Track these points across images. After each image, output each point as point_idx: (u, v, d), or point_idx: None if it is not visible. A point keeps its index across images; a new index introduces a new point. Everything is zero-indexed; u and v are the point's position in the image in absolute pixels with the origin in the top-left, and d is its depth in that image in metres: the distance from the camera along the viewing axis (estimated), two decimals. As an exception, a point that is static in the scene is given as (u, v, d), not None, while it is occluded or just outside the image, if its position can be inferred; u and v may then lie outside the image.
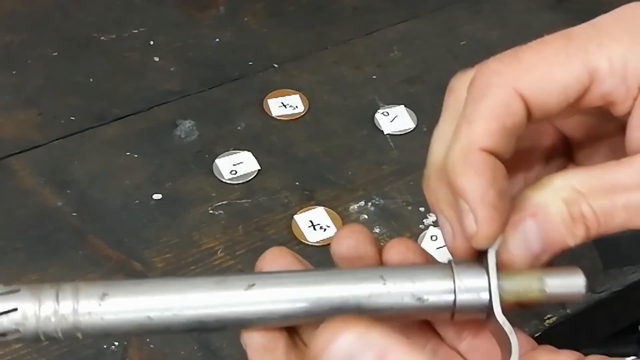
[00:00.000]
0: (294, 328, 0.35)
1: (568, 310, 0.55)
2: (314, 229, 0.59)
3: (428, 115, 0.69)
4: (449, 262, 0.34)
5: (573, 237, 0.32)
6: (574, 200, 0.32)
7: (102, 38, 0.76)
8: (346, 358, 0.28)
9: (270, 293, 0.33)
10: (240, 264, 0.58)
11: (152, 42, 0.76)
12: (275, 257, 0.35)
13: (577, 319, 0.55)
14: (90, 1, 0.80)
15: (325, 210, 0.61)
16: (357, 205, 0.62)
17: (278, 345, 0.33)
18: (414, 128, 0.68)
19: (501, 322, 0.32)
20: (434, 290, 0.33)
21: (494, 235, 0.32)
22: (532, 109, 0.33)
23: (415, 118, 0.68)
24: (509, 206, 0.33)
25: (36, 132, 0.67)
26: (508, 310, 0.33)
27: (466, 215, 0.32)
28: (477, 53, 0.75)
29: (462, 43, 0.76)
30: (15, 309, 0.32)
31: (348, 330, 0.28)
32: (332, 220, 0.60)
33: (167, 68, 0.73)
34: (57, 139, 0.66)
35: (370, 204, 0.62)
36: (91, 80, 0.72)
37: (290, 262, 0.36)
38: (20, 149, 0.65)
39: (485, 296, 0.33)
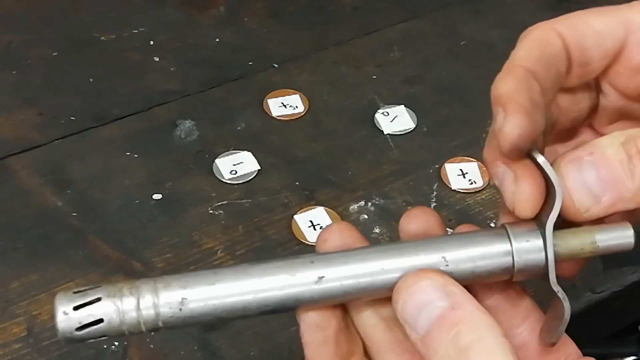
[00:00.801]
0: (347, 311, 0.36)
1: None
2: (314, 229, 0.59)
3: (428, 115, 0.69)
4: (503, 225, 0.35)
5: (632, 176, 0.32)
6: (631, 140, 0.33)
7: (102, 38, 0.76)
8: (424, 301, 0.31)
9: (337, 271, 0.34)
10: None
11: (152, 42, 0.76)
12: (339, 231, 0.36)
13: (577, 319, 0.55)
14: (90, 1, 0.80)
15: (325, 210, 0.61)
16: (357, 205, 0.62)
17: (330, 324, 0.35)
18: (414, 128, 0.68)
19: (555, 290, 0.33)
20: (493, 254, 0.34)
21: (518, 130, 0.32)
22: (571, 51, 0.35)
23: (415, 118, 0.68)
24: (541, 120, 0.33)
25: (36, 132, 0.67)
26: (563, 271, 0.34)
27: (500, 116, 0.32)
28: (477, 53, 0.75)
29: (462, 43, 0.76)
30: (99, 299, 0.32)
31: (430, 278, 0.32)
32: (332, 220, 0.60)
33: (167, 68, 0.73)
34: (57, 139, 0.66)
35: (370, 204, 0.62)
36: (91, 80, 0.72)
37: (353, 237, 0.36)
38: (20, 149, 0.65)
39: (541, 256, 0.34)
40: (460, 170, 0.64)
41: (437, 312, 0.30)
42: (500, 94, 0.33)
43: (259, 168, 0.64)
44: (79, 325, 0.32)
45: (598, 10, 0.36)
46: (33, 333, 0.53)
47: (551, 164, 0.33)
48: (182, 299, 0.33)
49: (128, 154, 0.65)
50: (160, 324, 0.33)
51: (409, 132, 0.68)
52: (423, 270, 0.32)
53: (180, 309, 0.33)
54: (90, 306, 0.32)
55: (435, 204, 0.62)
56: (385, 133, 0.67)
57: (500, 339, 0.30)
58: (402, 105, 0.69)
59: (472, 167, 0.64)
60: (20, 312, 0.54)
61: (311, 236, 0.59)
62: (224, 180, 0.63)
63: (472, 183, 0.63)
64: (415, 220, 0.36)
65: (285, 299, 0.34)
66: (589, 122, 0.40)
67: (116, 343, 0.53)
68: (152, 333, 0.35)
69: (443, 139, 0.67)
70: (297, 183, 0.63)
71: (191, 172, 0.64)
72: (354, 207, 0.62)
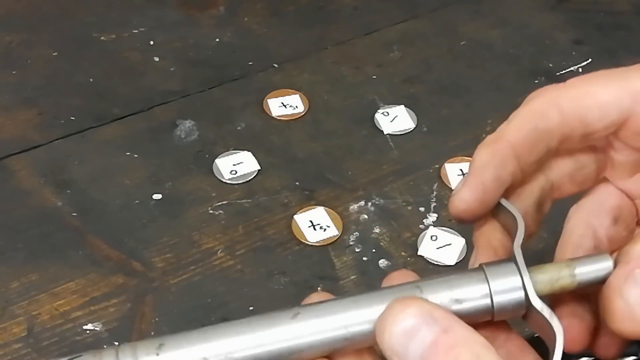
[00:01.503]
0: None
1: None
2: (314, 229, 0.59)
3: (428, 115, 0.69)
4: (480, 266, 0.35)
5: None
6: None
7: (102, 38, 0.76)
8: (412, 329, 0.30)
9: (313, 324, 0.33)
10: (240, 264, 0.58)
11: (152, 42, 0.76)
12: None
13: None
14: (90, 1, 0.80)
15: (325, 210, 0.61)
16: (357, 205, 0.62)
17: None
18: (414, 128, 0.68)
19: (539, 308, 0.33)
20: (471, 297, 0.34)
21: (465, 202, 0.35)
22: (571, 125, 0.36)
23: (415, 118, 0.68)
24: (497, 194, 0.35)
25: (36, 132, 0.67)
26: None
27: (460, 182, 0.36)
28: (477, 53, 0.75)
29: (462, 43, 0.76)
30: None
31: (414, 306, 0.30)
32: (332, 220, 0.60)
33: (167, 68, 0.73)
34: (57, 139, 0.66)
35: (370, 204, 0.62)
36: (91, 80, 0.72)
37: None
38: (20, 149, 0.65)
39: (520, 294, 0.33)
40: (460, 170, 0.64)
41: (429, 338, 0.29)
42: (474, 161, 0.35)
43: (259, 168, 0.64)
44: None
45: (606, 77, 0.36)
46: (33, 333, 0.53)
47: (603, 283, 0.33)
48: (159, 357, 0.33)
49: (128, 154, 0.65)
50: None
51: (409, 132, 0.68)
52: (406, 298, 0.31)
53: None
54: None
55: (435, 204, 0.62)
56: (385, 133, 0.67)
57: (496, 357, 0.29)
58: (402, 105, 0.69)
59: (472, 167, 0.64)
60: (20, 312, 0.54)
61: (311, 236, 0.59)
62: (224, 180, 0.63)
63: (472, 183, 0.63)
64: (397, 281, 0.36)
65: (264, 354, 0.33)
66: (602, 177, 0.40)
67: (116, 343, 0.53)
68: None
69: (443, 139, 0.67)
70: (297, 183, 0.63)
71: (191, 172, 0.64)
72: (354, 207, 0.62)
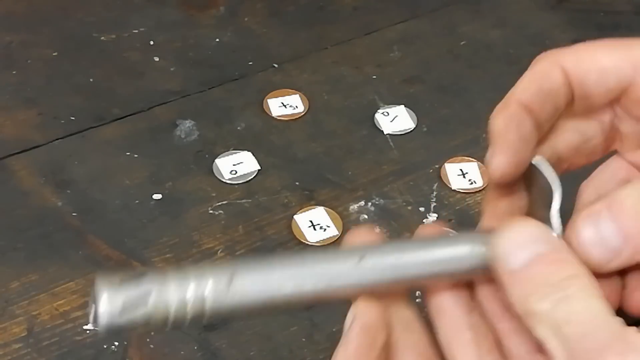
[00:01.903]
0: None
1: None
2: (314, 229, 0.59)
3: (428, 115, 0.69)
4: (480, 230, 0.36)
5: None
6: None
7: (102, 38, 0.76)
8: (525, 241, 0.31)
9: (378, 262, 0.33)
10: (240, 264, 0.58)
11: (152, 42, 0.76)
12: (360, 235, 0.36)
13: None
14: (90, 1, 0.80)
15: (325, 210, 0.61)
16: (357, 205, 0.62)
17: (382, 334, 0.34)
18: (414, 128, 0.68)
19: (536, 163, 0.34)
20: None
21: (502, 166, 0.35)
22: (574, 85, 0.37)
23: (415, 118, 0.68)
24: (529, 151, 0.36)
25: (36, 132, 0.67)
26: None
27: (490, 149, 0.36)
28: (477, 53, 0.75)
29: (462, 43, 0.76)
30: (146, 293, 0.30)
31: (535, 225, 0.32)
32: (332, 220, 0.60)
33: (167, 68, 0.73)
34: (57, 139, 0.66)
35: (370, 204, 0.62)
36: (91, 80, 0.72)
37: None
38: (20, 149, 0.65)
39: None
40: (460, 170, 0.64)
41: (540, 250, 0.31)
42: (493, 129, 0.36)
43: (259, 168, 0.64)
44: (122, 313, 0.30)
45: (610, 45, 0.37)
46: (33, 333, 0.53)
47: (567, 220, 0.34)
48: (231, 286, 0.31)
49: (128, 154, 0.65)
50: (207, 314, 0.31)
51: (409, 132, 0.68)
52: (523, 219, 0.33)
53: (229, 297, 0.31)
54: (135, 292, 0.30)
55: (435, 204, 0.62)
56: (385, 133, 0.67)
57: (593, 281, 0.30)
58: (402, 105, 0.69)
59: (472, 167, 0.64)
60: (20, 312, 0.54)
61: (311, 236, 0.59)
62: (224, 180, 0.63)
63: (472, 183, 0.63)
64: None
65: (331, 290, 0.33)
66: (613, 150, 0.40)
67: (116, 343, 0.53)
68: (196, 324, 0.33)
69: (443, 139, 0.67)
70: (297, 183, 0.63)
71: (191, 172, 0.64)
72: (354, 207, 0.61)
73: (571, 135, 0.39)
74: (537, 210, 0.36)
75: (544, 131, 0.37)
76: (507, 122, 0.36)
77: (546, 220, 0.34)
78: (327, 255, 0.34)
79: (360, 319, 0.33)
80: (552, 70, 0.37)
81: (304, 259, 0.33)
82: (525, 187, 0.38)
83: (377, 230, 0.37)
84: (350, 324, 0.33)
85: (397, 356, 0.34)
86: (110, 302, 0.30)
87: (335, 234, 0.59)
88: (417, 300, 0.39)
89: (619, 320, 0.30)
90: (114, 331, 0.31)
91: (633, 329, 0.29)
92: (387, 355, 0.34)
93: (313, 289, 0.33)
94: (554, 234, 0.33)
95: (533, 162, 0.35)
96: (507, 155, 0.35)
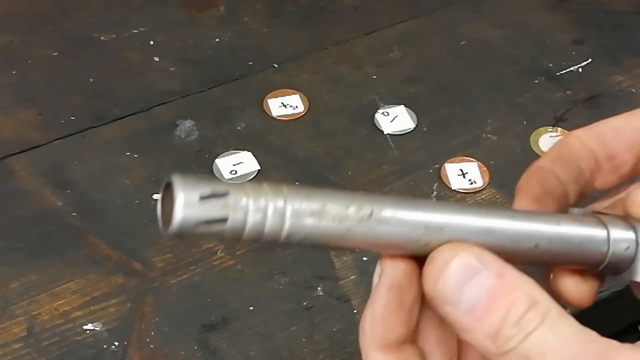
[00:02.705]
0: None
1: (568, 311, 0.55)
2: (314, 229, 0.59)
3: (428, 115, 0.69)
4: (592, 213, 0.35)
5: None
6: None
7: (102, 38, 0.76)
8: (466, 275, 0.29)
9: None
10: (240, 264, 0.58)
11: (152, 42, 0.76)
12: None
13: (577, 319, 0.55)
14: (90, 1, 0.80)
15: (325, 210, 0.60)
16: (357, 205, 0.62)
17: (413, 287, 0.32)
18: (414, 128, 0.68)
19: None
20: (590, 237, 0.33)
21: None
22: (593, 148, 0.38)
23: (415, 118, 0.68)
24: (553, 202, 0.37)
25: (36, 132, 0.67)
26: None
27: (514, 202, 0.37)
28: (477, 53, 0.75)
29: (462, 43, 0.76)
30: (226, 194, 0.28)
31: (466, 250, 0.30)
32: (332, 220, 0.60)
33: (167, 68, 0.73)
34: (57, 139, 0.66)
35: (370, 204, 0.62)
36: (91, 80, 0.72)
37: None
38: (20, 149, 0.65)
39: (632, 250, 0.33)
40: (460, 170, 0.64)
41: (485, 283, 0.29)
42: (517, 186, 0.37)
43: (259, 168, 0.64)
44: (200, 219, 0.27)
45: (628, 114, 0.39)
46: (33, 333, 0.53)
47: None
48: (313, 211, 0.29)
49: (128, 154, 0.65)
50: (283, 235, 0.29)
51: (409, 132, 0.68)
52: (455, 243, 0.30)
53: (308, 222, 0.29)
54: (216, 200, 0.27)
55: (435, 204, 0.62)
56: (385, 133, 0.67)
57: (550, 299, 0.29)
58: (402, 105, 0.69)
59: (472, 167, 0.64)
60: (20, 312, 0.54)
61: (311, 236, 0.59)
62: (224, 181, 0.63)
63: (472, 183, 0.63)
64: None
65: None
66: None
67: (116, 343, 0.53)
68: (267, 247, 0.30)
69: (443, 139, 0.67)
70: (297, 183, 0.63)
71: (191, 172, 0.64)
72: (354, 207, 0.61)
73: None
74: None
75: (569, 190, 0.38)
76: (528, 178, 0.37)
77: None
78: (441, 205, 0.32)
79: (388, 277, 0.31)
80: (569, 140, 0.38)
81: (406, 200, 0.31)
82: None
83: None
84: (378, 282, 0.32)
85: (426, 315, 0.33)
86: (187, 202, 0.27)
87: (335, 234, 0.59)
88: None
89: (594, 336, 0.28)
90: (186, 235, 0.28)
91: (614, 343, 0.28)
92: (418, 314, 0.32)
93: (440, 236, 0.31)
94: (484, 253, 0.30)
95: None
96: (527, 201, 0.36)
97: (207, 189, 0.27)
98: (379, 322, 0.31)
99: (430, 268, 0.30)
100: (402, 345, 0.31)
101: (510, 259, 0.31)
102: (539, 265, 0.35)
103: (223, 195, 0.28)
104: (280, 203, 0.28)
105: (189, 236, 0.28)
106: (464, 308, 0.29)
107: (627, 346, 0.28)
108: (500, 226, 0.31)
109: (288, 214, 0.29)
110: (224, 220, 0.28)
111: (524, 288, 0.29)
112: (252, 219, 0.28)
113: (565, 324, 0.29)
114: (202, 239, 0.28)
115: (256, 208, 0.28)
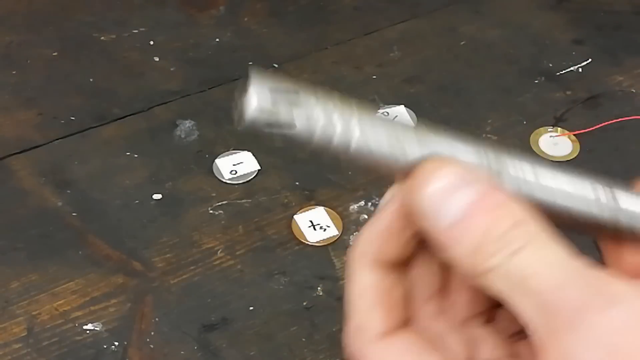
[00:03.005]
0: None
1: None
2: (314, 229, 0.59)
3: (428, 115, 0.69)
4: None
5: None
6: None
7: (102, 38, 0.76)
8: (449, 188, 0.27)
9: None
10: (240, 264, 0.58)
11: (152, 42, 0.76)
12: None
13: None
14: (90, 1, 0.80)
15: (325, 210, 0.61)
16: (357, 205, 0.62)
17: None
18: (414, 128, 0.68)
19: None
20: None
21: None
22: None
23: (415, 118, 0.68)
24: None
25: (36, 132, 0.67)
26: None
27: None
28: (476, 53, 0.75)
29: (462, 43, 0.76)
30: (298, 99, 0.28)
31: (452, 165, 0.28)
32: (332, 220, 0.60)
33: (167, 68, 0.73)
34: (57, 139, 0.66)
35: (370, 204, 0.62)
36: (91, 80, 0.72)
37: None
38: (20, 149, 0.65)
39: None
40: (460, 170, 0.64)
41: (467, 198, 0.27)
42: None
43: (259, 168, 0.64)
44: (271, 109, 0.28)
45: None
46: (33, 333, 0.53)
47: None
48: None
49: (128, 154, 0.65)
50: (352, 146, 0.30)
51: (409, 132, 0.68)
52: (442, 158, 0.29)
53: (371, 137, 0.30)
54: (287, 95, 0.29)
55: (435, 204, 0.62)
56: (385, 133, 0.67)
57: (538, 225, 0.26)
58: (402, 105, 0.69)
59: (472, 167, 0.64)
60: (20, 312, 0.54)
61: (311, 236, 0.59)
62: (224, 180, 0.63)
63: (472, 183, 0.63)
64: None
65: None
66: None
67: (116, 343, 0.53)
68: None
69: (443, 139, 0.67)
70: (297, 183, 0.63)
71: (191, 172, 0.64)
72: (354, 207, 0.62)
73: None
74: None
75: None
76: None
77: None
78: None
79: (400, 199, 0.29)
80: None
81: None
82: None
83: None
84: (386, 203, 0.30)
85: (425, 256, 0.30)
86: (260, 97, 0.28)
87: (335, 234, 0.59)
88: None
89: (587, 266, 0.25)
90: (258, 127, 0.28)
91: (606, 275, 0.25)
92: (421, 245, 0.30)
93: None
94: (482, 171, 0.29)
95: None
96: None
97: (281, 90, 0.29)
98: (376, 239, 0.29)
99: (411, 181, 0.28)
100: (394, 275, 0.29)
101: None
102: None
103: (296, 100, 0.29)
104: (348, 118, 0.30)
105: (260, 128, 0.28)
106: (443, 224, 0.26)
107: (621, 278, 0.25)
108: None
109: (356, 132, 0.30)
110: (293, 118, 0.29)
111: (510, 206, 0.26)
112: (322, 124, 0.29)
113: (554, 250, 0.25)
114: (273, 128, 0.29)
115: (327, 116, 0.29)
